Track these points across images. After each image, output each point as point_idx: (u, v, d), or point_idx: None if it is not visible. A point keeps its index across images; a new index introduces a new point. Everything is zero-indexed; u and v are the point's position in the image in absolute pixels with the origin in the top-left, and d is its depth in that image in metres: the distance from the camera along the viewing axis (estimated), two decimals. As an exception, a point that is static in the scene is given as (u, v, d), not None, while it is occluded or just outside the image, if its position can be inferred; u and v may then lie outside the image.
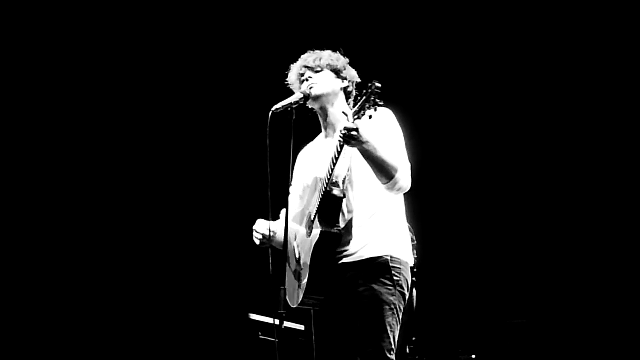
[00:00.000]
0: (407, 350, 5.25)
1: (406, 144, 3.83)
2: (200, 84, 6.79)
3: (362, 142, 3.52)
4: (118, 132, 6.79)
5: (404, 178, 3.72)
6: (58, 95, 6.68)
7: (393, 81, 6.12)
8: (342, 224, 3.75)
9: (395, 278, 3.74)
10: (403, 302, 3.77)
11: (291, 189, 4.02)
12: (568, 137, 6.49)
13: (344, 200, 3.74)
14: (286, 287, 3.65)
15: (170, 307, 6.69)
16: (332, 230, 3.71)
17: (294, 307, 3.84)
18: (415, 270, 5.06)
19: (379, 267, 3.74)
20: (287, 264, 3.88)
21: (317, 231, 3.72)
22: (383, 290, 3.71)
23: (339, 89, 3.92)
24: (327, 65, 3.88)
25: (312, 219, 3.78)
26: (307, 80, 3.87)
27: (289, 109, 3.77)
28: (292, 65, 3.99)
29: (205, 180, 6.78)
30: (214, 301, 6.63)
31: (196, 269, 6.74)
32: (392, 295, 3.72)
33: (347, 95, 3.96)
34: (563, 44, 6.45)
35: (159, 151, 6.82)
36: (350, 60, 3.97)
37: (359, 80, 3.97)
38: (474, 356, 5.43)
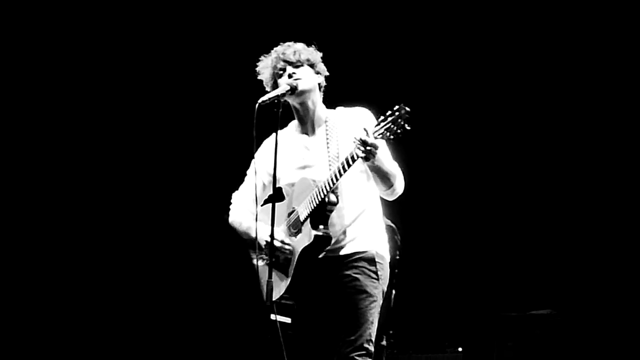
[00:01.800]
0: (384, 342, 5.28)
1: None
2: (185, 81, 6.77)
3: (376, 159, 3.59)
4: (118, 131, 6.80)
5: (400, 185, 3.82)
6: (57, 95, 6.69)
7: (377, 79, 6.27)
8: (331, 224, 3.79)
9: (379, 272, 3.83)
10: (382, 296, 3.85)
11: (249, 172, 4.04)
12: (559, 129, 6.52)
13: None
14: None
15: (172, 307, 6.70)
16: (325, 234, 3.76)
17: (274, 300, 3.84)
18: (396, 270, 5.15)
19: (365, 261, 3.81)
20: (259, 257, 3.91)
21: (307, 233, 3.76)
22: (368, 282, 3.79)
23: (317, 84, 3.93)
24: (307, 60, 3.88)
25: (302, 220, 3.81)
26: (289, 75, 3.84)
27: (276, 100, 3.76)
28: (263, 57, 3.96)
29: (197, 173, 6.76)
30: (219, 299, 6.63)
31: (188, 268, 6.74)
32: (376, 288, 3.80)
33: (320, 87, 3.96)
34: (559, 43, 6.47)
35: (150, 148, 6.80)
36: (334, 57, 3.98)
37: (327, 73, 3.97)
38: (460, 349, 5.45)
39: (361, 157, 3.54)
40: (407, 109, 3.42)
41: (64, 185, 6.73)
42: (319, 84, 3.94)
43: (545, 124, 6.56)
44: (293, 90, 3.81)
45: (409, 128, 3.42)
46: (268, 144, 4.02)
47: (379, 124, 3.48)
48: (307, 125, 3.97)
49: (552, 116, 6.52)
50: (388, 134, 3.45)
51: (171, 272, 6.75)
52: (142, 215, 6.78)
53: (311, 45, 3.95)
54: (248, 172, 4.08)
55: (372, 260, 3.82)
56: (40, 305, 6.58)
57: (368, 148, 3.50)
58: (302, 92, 3.86)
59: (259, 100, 3.71)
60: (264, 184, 4.03)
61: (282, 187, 4.00)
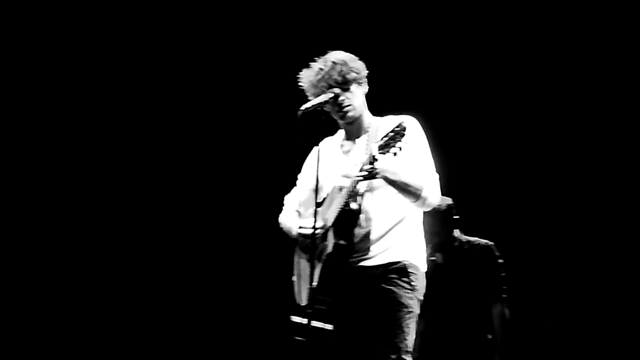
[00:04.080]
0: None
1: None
2: (224, 85, 6.77)
3: (382, 177, 3.63)
4: (140, 133, 6.79)
5: (431, 194, 3.77)
6: (61, 95, 6.68)
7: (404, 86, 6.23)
8: (357, 234, 3.80)
9: (413, 283, 3.80)
10: (419, 307, 3.83)
11: (300, 177, 4.08)
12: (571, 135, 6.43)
13: (362, 210, 3.78)
14: (301, 283, 3.71)
15: (204, 307, 6.71)
16: (344, 243, 3.77)
17: (303, 305, 3.88)
18: (504, 287, 5.17)
19: (398, 272, 3.79)
20: (301, 260, 3.95)
21: (330, 241, 3.78)
22: (402, 292, 3.77)
23: (362, 94, 3.92)
24: (353, 80, 3.84)
25: (327, 227, 3.82)
26: (339, 104, 3.82)
27: (318, 108, 3.77)
28: (303, 74, 3.93)
29: (234, 180, 6.78)
30: (250, 302, 6.63)
31: (223, 269, 6.74)
32: (411, 299, 3.78)
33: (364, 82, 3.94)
34: (556, 43, 6.38)
35: (195, 152, 6.82)
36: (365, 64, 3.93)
37: (363, 66, 3.93)
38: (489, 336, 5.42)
39: (366, 178, 3.62)
40: (405, 126, 3.49)
41: (87, 185, 6.74)
42: (365, 90, 3.94)
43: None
44: (336, 97, 3.81)
45: (406, 142, 3.51)
46: (316, 149, 4.02)
47: (381, 139, 3.52)
48: (352, 134, 3.97)
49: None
50: (387, 149, 3.51)
51: (207, 275, 6.76)
52: (189, 220, 6.80)
53: (348, 55, 3.91)
54: (299, 176, 4.11)
55: (405, 271, 3.80)
56: (55, 305, 6.60)
57: (367, 171, 3.58)
58: (350, 118, 3.89)
59: (302, 108, 3.73)
60: (312, 189, 4.01)
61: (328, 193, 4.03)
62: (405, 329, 3.73)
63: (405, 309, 3.75)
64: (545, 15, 6.33)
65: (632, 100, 6.27)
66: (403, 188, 3.70)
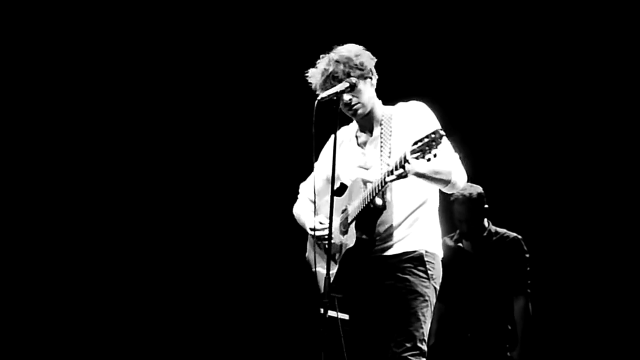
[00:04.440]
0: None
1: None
2: (237, 75, 6.73)
3: (413, 174, 3.60)
4: (147, 130, 6.77)
5: (459, 177, 3.77)
6: (61, 96, 6.66)
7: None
8: (379, 227, 3.81)
9: (429, 272, 3.82)
10: (435, 295, 3.84)
11: (316, 166, 4.07)
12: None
13: (387, 205, 3.78)
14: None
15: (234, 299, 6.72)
16: (366, 238, 3.79)
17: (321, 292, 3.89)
18: (529, 282, 5.16)
19: (414, 261, 3.81)
20: (318, 248, 3.96)
21: (351, 235, 3.80)
22: (417, 281, 3.79)
23: (371, 88, 3.92)
24: (360, 75, 3.85)
25: (349, 221, 3.84)
26: (347, 103, 3.85)
27: (335, 97, 3.79)
28: (310, 72, 3.93)
29: (250, 170, 6.77)
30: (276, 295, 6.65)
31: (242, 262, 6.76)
32: (427, 287, 3.80)
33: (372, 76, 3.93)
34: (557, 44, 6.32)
35: (208, 144, 6.80)
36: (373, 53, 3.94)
37: (372, 59, 3.92)
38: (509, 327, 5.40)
39: (392, 179, 3.59)
40: (442, 132, 3.46)
41: (92, 185, 6.73)
42: (375, 81, 3.94)
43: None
44: (352, 87, 3.82)
45: (440, 150, 3.48)
46: (338, 139, 4.03)
47: (415, 144, 3.48)
48: (365, 126, 3.99)
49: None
50: (422, 155, 3.46)
51: (221, 265, 6.77)
52: (199, 215, 6.82)
53: (356, 47, 3.91)
54: (316, 164, 4.11)
55: (420, 260, 3.81)
56: (55, 305, 6.59)
57: (396, 175, 3.55)
58: (360, 115, 3.91)
59: (318, 97, 3.76)
60: (328, 178, 4.02)
61: (343, 183, 4.05)
62: (421, 318, 3.75)
63: (421, 298, 3.77)
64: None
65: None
66: (433, 178, 3.71)
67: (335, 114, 3.78)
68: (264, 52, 6.64)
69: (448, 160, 3.74)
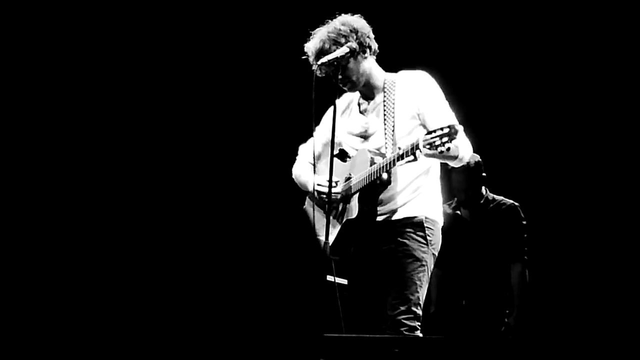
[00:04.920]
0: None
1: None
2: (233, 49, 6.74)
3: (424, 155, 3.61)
4: (137, 109, 6.72)
5: (466, 152, 3.79)
6: (60, 96, 6.62)
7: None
8: (382, 197, 3.84)
9: (428, 237, 3.85)
10: (433, 261, 3.88)
11: (318, 128, 4.09)
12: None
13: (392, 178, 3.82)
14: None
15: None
16: (369, 209, 3.83)
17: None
18: (525, 248, 5.21)
19: (414, 226, 3.84)
20: (315, 212, 3.99)
21: (354, 206, 3.84)
22: (415, 246, 3.83)
23: (365, 60, 3.90)
24: (345, 53, 3.83)
25: (352, 192, 3.87)
26: (340, 80, 3.87)
27: (335, 63, 3.79)
28: (306, 47, 3.93)
29: (248, 138, 6.77)
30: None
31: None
32: (425, 253, 3.84)
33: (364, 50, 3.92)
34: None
35: (194, 122, 6.77)
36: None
37: (369, 29, 3.92)
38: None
39: (412, 160, 3.60)
40: (458, 128, 3.47)
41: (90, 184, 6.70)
42: (373, 50, 3.93)
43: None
44: (352, 52, 3.83)
45: (453, 148, 3.51)
46: (338, 103, 4.07)
47: (429, 134, 3.50)
48: (367, 95, 4.00)
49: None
50: (435, 146, 3.48)
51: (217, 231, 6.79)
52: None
53: (348, 19, 3.90)
54: (317, 128, 4.13)
55: (420, 225, 3.85)
56: (54, 305, 6.55)
57: (406, 161, 3.59)
58: (356, 89, 3.94)
59: (318, 62, 3.79)
60: (328, 142, 4.02)
61: (343, 149, 4.07)
62: (417, 282, 3.80)
63: (418, 262, 3.81)
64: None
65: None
66: (442, 158, 3.75)
67: (335, 80, 3.80)
68: (257, 25, 6.61)
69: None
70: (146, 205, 6.70)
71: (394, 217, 3.86)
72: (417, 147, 3.52)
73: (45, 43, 6.57)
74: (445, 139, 3.46)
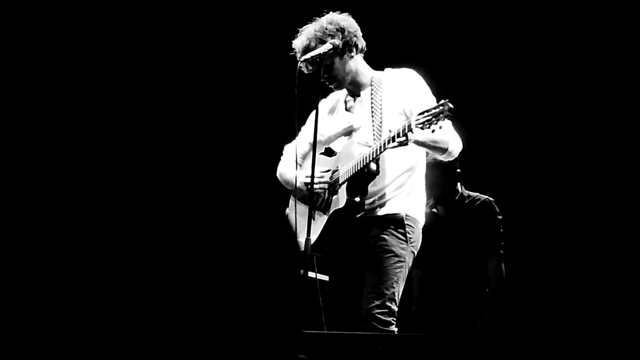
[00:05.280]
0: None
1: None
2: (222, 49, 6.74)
3: (414, 142, 3.62)
4: (129, 114, 6.71)
5: (456, 146, 3.82)
6: (59, 96, 6.61)
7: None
8: (370, 191, 3.86)
9: (408, 235, 3.88)
10: (412, 259, 3.91)
11: (304, 127, 4.11)
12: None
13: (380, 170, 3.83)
14: (296, 229, 3.81)
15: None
16: (357, 200, 3.83)
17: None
18: (502, 243, 5.25)
19: (395, 222, 3.87)
20: (300, 205, 3.99)
21: (342, 196, 3.84)
22: (394, 242, 3.85)
23: (351, 59, 3.92)
24: (330, 51, 3.85)
25: (340, 183, 3.87)
26: (324, 80, 3.89)
27: (318, 59, 3.79)
28: (296, 42, 3.95)
29: (230, 139, 6.76)
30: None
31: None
32: (403, 249, 3.86)
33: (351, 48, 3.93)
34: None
35: (184, 123, 6.75)
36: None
37: (356, 28, 3.93)
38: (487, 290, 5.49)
39: (399, 144, 3.60)
40: (451, 105, 3.46)
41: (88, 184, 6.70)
42: (360, 49, 3.94)
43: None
44: (336, 48, 3.83)
45: (448, 121, 3.49)
46: (324, 103, 4.12)
47: (421, 114, 3.50)
48: (352, 89, 4.01)
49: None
50: (427, 125, 3.49)
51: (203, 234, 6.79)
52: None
53: (334, 17, 3.91)
54: (303, 127, 4.15)
55: (401, 222, 3.87)
56: (52, 305, 6.55)
57: (398, 142, 3.57)
58: (341, 88, 3.96)
59: (301, 58, 3.79)
60: (317, 140, 4.04)
61: (330, 148, 4.09)
62: (393, 277, 3.82)
63: (396, 258, 3.84)
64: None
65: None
66: (432, 146, 3.76)
67: (317, 78, 3.79)
68: (244, 24, 6.59)
69: (445, 128, 3.71)
70: (133, 205, 6.70)
71: (376, 214, 3.88)
72: (410, 129, 3.52)
73: (45, 43, 6.55)
74: (439, 116, 3.46)
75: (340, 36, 3.86)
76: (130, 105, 6.69)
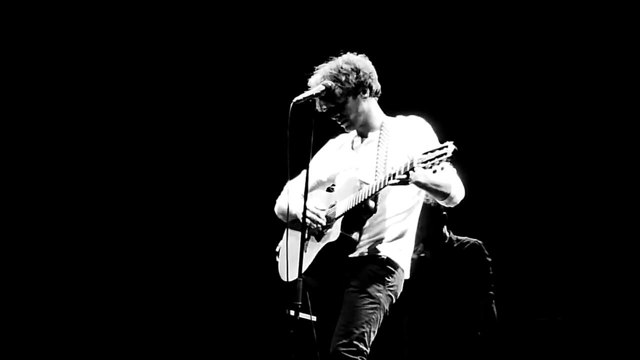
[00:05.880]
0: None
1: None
2: (215, 79, 6.78)
3: (415, 182, 3.62)
4: (132, 134, 6.80)
5: (458, 192, 3.79)
6: (59, 95, 6.71)
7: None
8: (364, 229, 3.84)
9: (386, 278, 3.83)
10: (389, 304, 3.84)
11: (311, 165, 4.02)
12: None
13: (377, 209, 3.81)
14: (287, 260, 3.78)
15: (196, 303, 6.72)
16: (351, 236, 3.80)
17: (286, 281, 3.92)
18: (492, 285, 5.26)
19: (375, 263, 3.82)
20: (288, 242, 3.96)
21: (335, 230, 3.81)
22: (370, 282, 3.79)
23: (364, 101, 3.93)
24: (347, 91, 3.87)
25: (336, 216, 3.85)
26: (337, 119, 3.91)
27: (310, 100, 3.81)
28: (312, 79, 3.96)
29: (225, 174, 6.79)
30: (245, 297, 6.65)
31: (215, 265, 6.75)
32: (379, 292, 3.80)
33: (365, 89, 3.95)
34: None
35: (185, 146, 6.84)
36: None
37: (371, 70, 3.95)
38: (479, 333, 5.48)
39: (394, 184, 3.60)
40: (455, 147, 3.44)
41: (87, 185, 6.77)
42: (375, 91, 3.95)
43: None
44: (329, 90, 3.85)
45: (450, 166, 3.49)
46: (332, 143, 4.13)
47: (425, 153, 3.49)
48: (362, 131, 4.01)
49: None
50: (430, 166, 3.47)
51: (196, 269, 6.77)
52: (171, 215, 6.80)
53: (351, 58, 3.92)
54: (310, 163, 4.07)
55: (382, 264, 3.82)
56: (50, 306, 6.62)
57: (398, 179, 3.56)
58: (352, 129, 3.97)
59: (294, 100, 3.77)
60: (319, 180, 4.08)
61: (334, 185, 4.07)
62: (364, 317, 3.74)
63: (369, 299, 3.77)
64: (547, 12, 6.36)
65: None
66: (434, 190, 3.73)
67: (310, 117, 3.80)
68: (251, 53, 6.69)
69: (448, 174, 3.73)
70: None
71: (358, 255, 3.84)
72: (412, 167, 3.51)
73: (45, 43, 6.64)
74: (441, 158, 3.44)
75: (355, 76, 3.87)
76: (127, 114, 6.80)
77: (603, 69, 6.33)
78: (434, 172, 3.46)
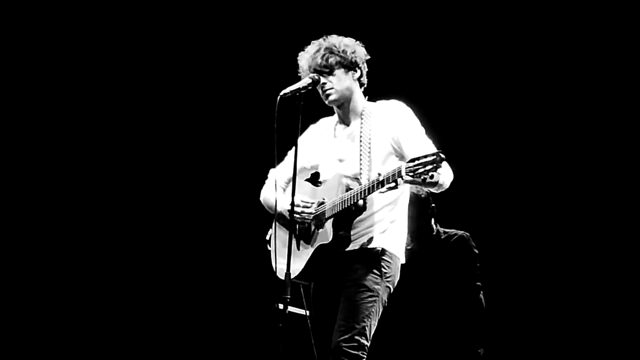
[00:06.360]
0: (481, 351, 5.33)
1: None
2: (204, 72, 6.76)
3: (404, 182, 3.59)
4: (123, 128, 6.77)
5: (447, 178, 3.74)
6: (58, 95, 6.67)
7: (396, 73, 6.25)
8: (354, 225, 3.84)
9: (383, 270, 3.83)
10: (387, 295, 3.85)
11: (290, 152, 4.05)
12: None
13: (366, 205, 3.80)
14: (276, 256, 3.79)
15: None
16: (344, 235, 3.81)
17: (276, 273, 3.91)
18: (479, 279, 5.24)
19: (372, 256, 3.83)
20: (277, 235, 3.96)
21: (327, 232, 3.82)
22: (368, 276, 3.80)
23: (353, 81, 3.93)
24: (338, 63, 3.88)
25: (326, 217, 3.85)
26: (322, 87, 3.89)
27: (297, 93, 3.79)
28: (300, 55, 3.97)
29: (212, 167, 6.78)
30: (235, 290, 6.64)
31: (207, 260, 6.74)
32: (377, 284, 3.80)
33: (359, 81, 3.97)
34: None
35: (167, 139, 6.80)
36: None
37: (367, 57, 3.97)
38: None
39: (382, 191, 3.60)
40: (443, 156, 3.44)
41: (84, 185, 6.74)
42: (358, 79, 3.95)
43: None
44: (315, 83, 3.85)
45: (439, 174, 3.47)
46: (313, 128, 4.11)
47: (412, 161, 3.48)
48: (343, 117, 4.01)
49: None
50: (418, 175, 3.45)
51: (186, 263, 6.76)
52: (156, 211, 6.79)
53: (339, 38, 3.93)
54: (289, 152, 4.09)
55: (377, 256, 3.83)
56: (48, 306, 6.60)
57: (387, 188, 3.57)
58: (333, 102, 3.94)
59: (281, 93, 3.77)
60: (303, 167, 4.05)
61: (318, 172, 4.05)
62: (364, 311, 3.75)
63: (369, 292, 3.78)
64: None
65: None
66: (422, 184, 3.68)
67: (297, 110, 3.79)
68: (239, 45, 6.65)
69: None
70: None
71: (353, 247, 3.85)
72: (400, 175, 3.50)
73: (45, 43, 6.60)
74: (429, 167, 3.43)
75: (353, 53, 3.89)
76: (116, 107, 6.75)
77: (592, 61, 6.34)
78: (423, 180, 3.45)
